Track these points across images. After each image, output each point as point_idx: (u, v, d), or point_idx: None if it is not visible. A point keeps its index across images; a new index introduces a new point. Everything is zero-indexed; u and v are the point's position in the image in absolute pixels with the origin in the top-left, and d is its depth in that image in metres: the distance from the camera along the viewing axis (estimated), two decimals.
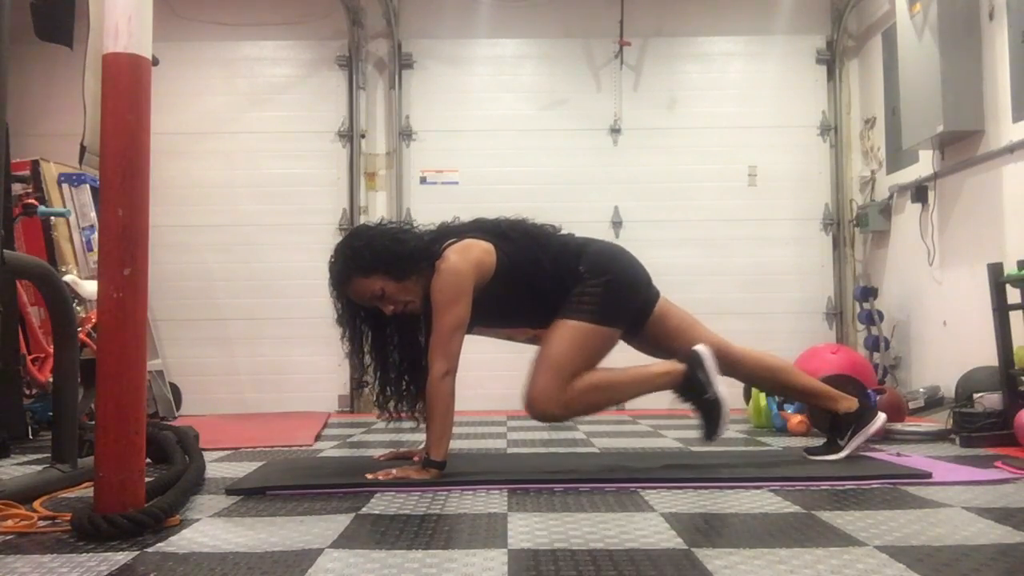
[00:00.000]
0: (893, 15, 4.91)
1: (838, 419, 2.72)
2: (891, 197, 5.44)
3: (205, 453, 2.89)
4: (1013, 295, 3.44)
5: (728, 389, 2.57)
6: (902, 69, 4.75)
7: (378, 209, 5.87)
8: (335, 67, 5.94)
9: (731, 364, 2.70)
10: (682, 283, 5.01)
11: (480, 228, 2.60)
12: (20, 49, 4.79)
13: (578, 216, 5.16)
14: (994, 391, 3.45)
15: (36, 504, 2.07)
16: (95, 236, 4.76)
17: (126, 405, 1.79)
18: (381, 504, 2.08)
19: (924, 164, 4.91)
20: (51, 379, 2.72)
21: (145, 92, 1.86)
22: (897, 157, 5.30)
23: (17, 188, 4.45)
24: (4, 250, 2.18)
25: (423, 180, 5.91)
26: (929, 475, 2.38)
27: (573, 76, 5.96)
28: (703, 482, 2.32)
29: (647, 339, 2.73)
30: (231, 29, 5.93)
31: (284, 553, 1.60)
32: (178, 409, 5.27)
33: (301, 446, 3.53)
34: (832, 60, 5.94)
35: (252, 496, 2.23)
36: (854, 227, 5.83)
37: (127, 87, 1.83)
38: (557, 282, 2.54)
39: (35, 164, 4.88)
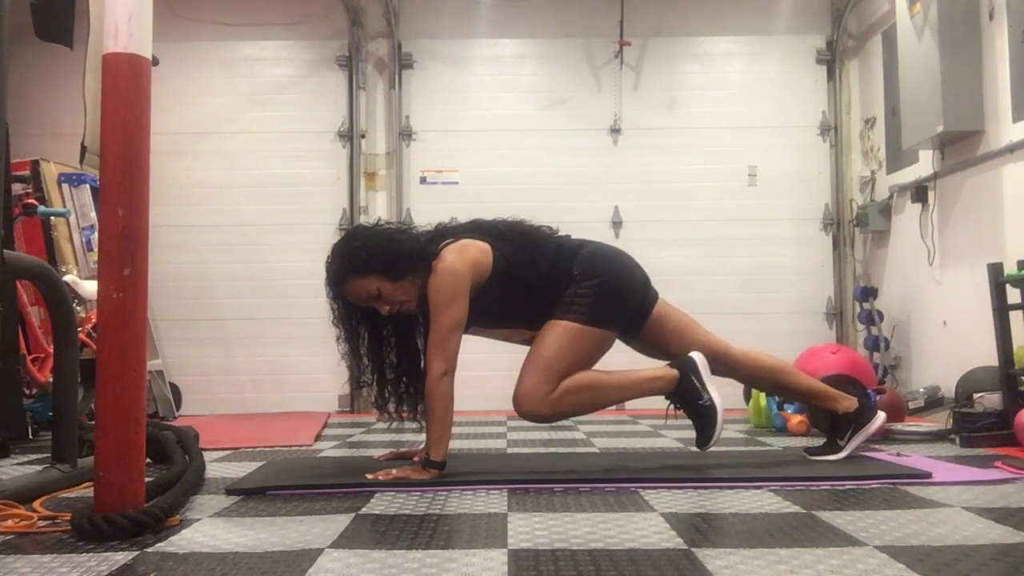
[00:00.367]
0: (893, 15, 4.91)
1: (838, 419, 2.72)
2: (891, 197, 5.44)
3: (205, 453, 2.89)
4: (1013, 295, 3.44)
5: (728, 389, 2.58)
6: (902, 69, 4.75)
7: (378, 209, 5.87)
8: (335, 67, 5.95)
9: (730, 365, 2.71)
10: (682, 283, 5.04)
11: (477, 229, 2.60)
12: (20, 49, 4.80)
13: (578, 216, 5.19)
14: (994, 391, 3.45)
15: (36, 504, 2.07)
16: (95, 236, 4.76)
17: (126, 405, 1.79)
18: (381, 504, 2.08)
19: (924, 164, 4.91)
20: (51, 379, 2.72)
21: (145, 92, 1.86)
22: (897, 157, 5.30)
23: (17, 188, 4.46)
24: (4, 250, 2.18)
25: (423, 180, 5.92)
26: (929, 475, 2.38)
27: (573, 76, 5.96)
28: (703, 482, 2.32)
29: (646, 340, 2.73)
30: (231, 29, 5.93)
31: (284, 553, 1.60)
32: (178, 409, 5.27)
33: (301, 446, 3.53)
34: (832, 60, 5.94)
35: (252, 496, 2.23)
36: (854, 227, 5.83)
37: (127, 87, 1.83)
38: (553, 283, 2.54)
39: (35, 164, 4.88)
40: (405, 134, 5.91)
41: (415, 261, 2.46)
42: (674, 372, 2.55)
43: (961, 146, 4.51)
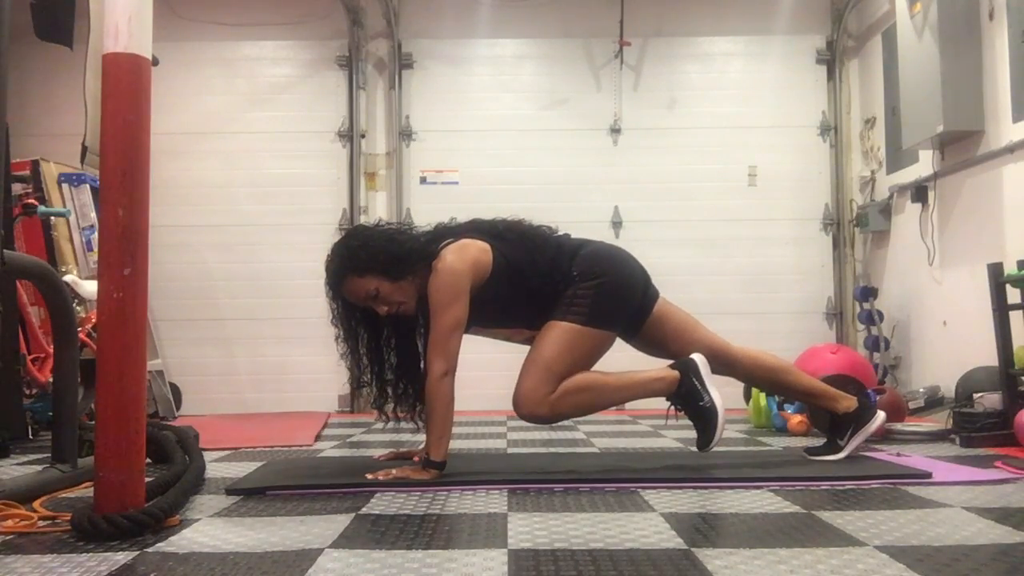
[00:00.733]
0: (893, 15, 4.91)
1: (837, 419, 2.72)
2: (891, 197, 5.44)
3: (205, 453, 2.89)
4: (1013, 295, 3.44)
5: (728, 389, 2.58)
6: (902, 69, 4.75)
7: (378, 209, 5.87)
8: (335, 67, 5.94)
9: (730, 364, 2.71)
10: (682, 283, 5.02)
11: (477, 228, 2.60)
12: (20, 49, 4.80)
13: (578, 216, 5.18)
14: (994, 391, 3.45)
15: (36, 504, 2.07)
16: (95, 236, 4.76)
17: (126, 405, 1.79)
18: (381, 504, 2.08)
19: (924, 164, 4.91)
20: (51, 379, 2.72)
21: (145, 92, 1.86)
22: (897, 157, 5.30)
23: (17, 188, 4.46)
24: (4, 250, 2.18)
25: (423, 180, 5.92)
26: (929, 475, 2.38)
27: (573, 76, 5.96)
28: (703, 482, 2.32)
29: (646, 339, 2.73)
30: (231, 29, 5.93)
31: (284, 553, 1.60)
32: (178, 409, 5.27)
33: (301, 446, 3.53)
34: (832, 60, 5.94)
35: (252, 496, 2.23)
36: (854, 227, 5.83)
37: (127, 87, 1.83)
38: (552, 283, 2.54)
39: (35, 164, 4.88)
40: (405, 134, 5.91)
41: (414, 261, 2.46)
42: (675, 373, 2.55)
43: (961, 146, 4.51)
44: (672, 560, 1.51)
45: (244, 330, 5.79)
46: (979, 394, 3.52)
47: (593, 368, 2.56)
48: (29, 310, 3.99)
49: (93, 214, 4.94)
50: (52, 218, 4.70)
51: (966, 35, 4.33)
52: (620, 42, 5.80)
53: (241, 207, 5.83)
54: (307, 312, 5.34)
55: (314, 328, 5.21)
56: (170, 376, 5.41)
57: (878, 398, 3.52)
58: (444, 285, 2.39)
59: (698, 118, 5.90)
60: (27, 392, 3.78)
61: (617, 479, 2.37)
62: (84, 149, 2.16)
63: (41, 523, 1.88)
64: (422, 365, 2.60)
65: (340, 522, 1.87)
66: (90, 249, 4.88)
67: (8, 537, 1.77)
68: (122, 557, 1.58)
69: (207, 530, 1.82)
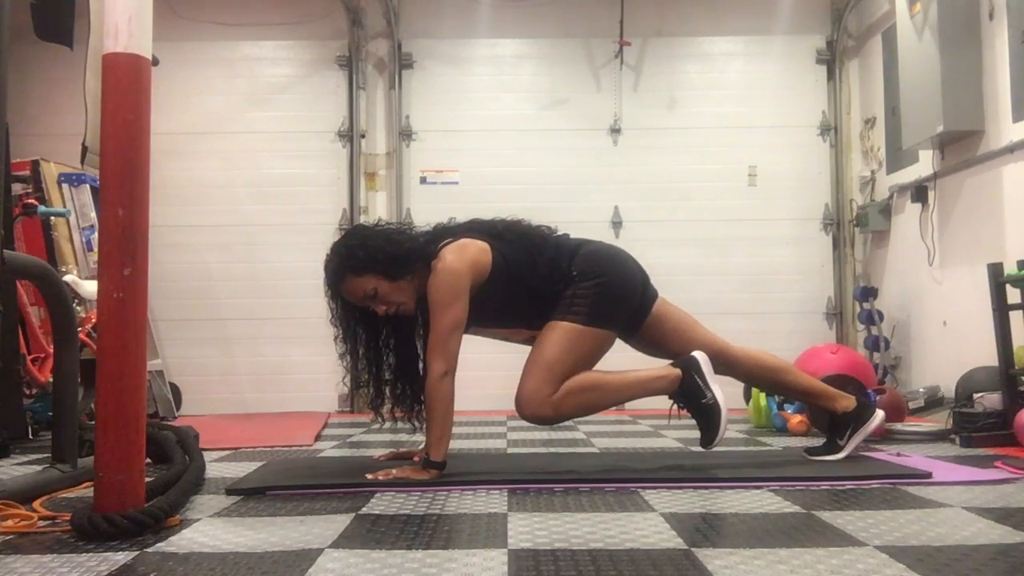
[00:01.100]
0: (893, 15, 4.91)
1: (837, 418, 2.72)
2: (891, 197, 5.44)
3: (205, 453, 2.89)
4: (1013, 295, 3.44)
5: (728, 389, 2.57)
6: (902, 69, 4.75)
7: (378, 209, 5.87)
8: (335, 67, 5.95)
9: (730, 364, 2.71)
10: (682, 283, 5.03)
11: (476, 228, 2.60)
12: (20, 49, 4.81)
13: (578, 216, 5.19)
14: (994, 391, 3.45)
15: (36, 504, 2.07)
16: (95, 236, 4.76)
17: (126, 405, 1.79)
18: (381, 504, 2.08)
19: (924, 164, 4.91)
20: (51, 379, 2.72)
21: (145, 92, 1.86)
22: (897, 157, 5.30)
23: (17, 188, 4.45)
24: (4, 250, 2.18)
25: (423, 180, 5.92)
26: (929, 475, 2.38)
27: (573, 76, 5.96)
28: (703, 482, 2.32)
29: (645, 339, 2.73)
30: (231, 29, 5.93)
31: (284, 553, 1.60)
32: (178, 409, 5.27)
33: (301, 446, 3.53)
34: (832, 60, 5.94)
35: (252, 496, 2.23)
36: (854, 227, 5.83)
37: (127, 87, 1.83)
38: (552, 283, 2.53)
39: (35, 164, 4.88)
40: (405, 134, 5.91)
41: (413, 261, 2.46)
42: (677, 371, 2.55)
43: (961, 146, 4.51)
44: (672, 560, 1.51)
45: (244, 330, 5.79)
46: (979, 394, 3.52)
47: (594, 368, 2.56)
48: (29, 310, 3.99)
49: (93, 214, 4.94)
50: (52, 218, 4.70)
51: (966, 35, 4.33)
52: (620, 42, 5.80)
53: (241, 207, 5.83)
54: (307, 312, 5.33)
55: (314, 328, 5.20)
56: (170, 376, 5.41)
57: (878, 398, 3.52)
58: (444, 285, 2.39)
59: (698, 118, 5.91)
60: (27, 392, 3.79)
61: (617, 479, 2.37)
62: (84, 149, 2.16)
63: (41, 523, 1.88)
64: (421, 366, 2.60)
65: (340, 522, 1.87)
66: (90, 249, 4.88)
67: (8, 537, 1.77)
68: (122, 557, 1.58)
69: (207, 530, 1.82)
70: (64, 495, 2.25)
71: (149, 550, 1.63)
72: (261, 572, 1.47)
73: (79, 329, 2.67)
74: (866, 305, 5.35)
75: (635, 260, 2.70)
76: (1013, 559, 1.52)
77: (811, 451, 2.77)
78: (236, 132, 5.89)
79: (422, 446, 2.55)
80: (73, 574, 1.47)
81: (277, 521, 1.91)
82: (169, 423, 3.87)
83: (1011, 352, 3.37)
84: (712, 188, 5.85)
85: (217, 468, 2.78)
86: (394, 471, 2.37)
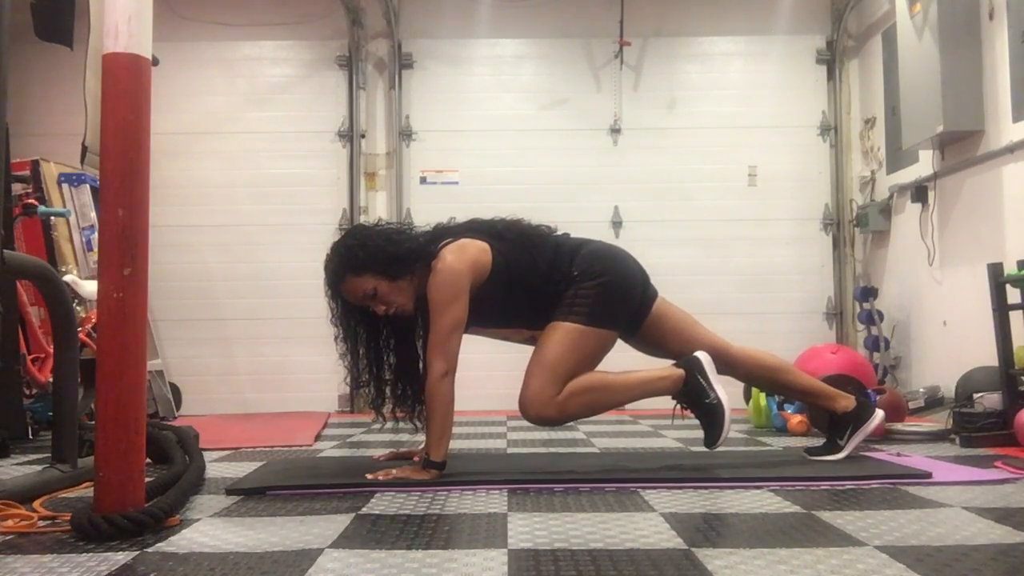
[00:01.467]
0: (893, 15, 4.91)
1: (836, 418, 2.72)
2: (891, 197, 5.44)
3: (205, 453, 2.90)
4: (1013, 295, 3.44)
5: (728, 389, 2.57)
6: (902, 69, 4.75)
7: (378, 209, 5.87)
8: (335, 67, 5.95)
9: (730, 363, 2.70)
10: (682, 283, 5.02)
11: (476, 228, 2.60)
12: (20, 49, 4.80)
13: (578, 216, 5.18)
14: (994, 391, 3.45)
15: (36, 504, 2.07)
16: (95, 236, 4.75)
17: (126, 405, 1.79)
18: (381, 504, 2.08)
19: (924, 164, 4.91)
20: (51, 379, 2.72)
21: (145, 92, 1.86)
22: (897, 157, 5.30)
23: (17, 188, 4.45)
24: (4, 250, 2.18)
25: (423, 180, 5.92)
26: (929, 475, 2.38)
27: (573, 76, 5.96)
28: (703, 482, 2.32)
29: (645, 338, 2.73)
30: (231, 29, 5.93)
31: (284, 553, 1.60)
32: (178, 409, 5.27)
33: (301, 446, 3.53)
34: (832, 60, 5.94)
35: (252, 496, 2.23)
36: (854, 227, 5.83)
37: (127, 87, 1.83)
38: (552, 283, 2.54)
39: (35, 164, 4.88)
40: (405, 134, 5.91)
41: (413, 261, 2.46)
42: (680, 371, 2.55)
43: (961, 146, 4.51)
44: (672, 560, 1.51)
45: (244, 330, 5.79)
46: (979, 394, 3.52)
47: (597, 369, 2.56)
48: (29, 310, 3.99)
49: (93, 214, 4.94)
50: (52, 218, 4.70)
51: (966, 35, 4.33)
52: (620, 42, 5.80)
53: (241, 207, 5.83)
54: (307, 312, 5.33)
55: (314, 328, 5.21)
56: (170, 376, 5.41)
57: (878, 398, 3.52)
58: (444, 285, 2.39)
59: (698, 118, 5.91)
60: (27, 392, 3.78)
61: (617, 479, 2.37)
62: (84, 149, 2.16)
63: (41, 523, 1.88)
64: (421, 366, 2.60)
65: (340, 522, 1.87)
66: (90, 249, 4.88)
67: (8, 537, 1.77)
68: (122, 557, 1.58)
69: (207, 530, 1.82)
70: (64, 495, 2.25)
71: (149, 550, 1.63)
72: (261, 572, 1.47)
73: (79, 329, 2.68)
74: (866, 305, 5.35)
75: (635, 259, 2.70)
76: (1013, 559, 1.52)
77: (811, 451, 2.77)
78: (236, 132, 5.89)
79: (422, 446, 2.55)
80: (73, 574, 1.47)
81: (277, 521, 1.91)
82: (169, 423, 3.87)
83: (1011, 352, 3.37)
84: (712, 188, 5.85)
85: (217, 468, 2.78)
86: (394, 471, 2.37)
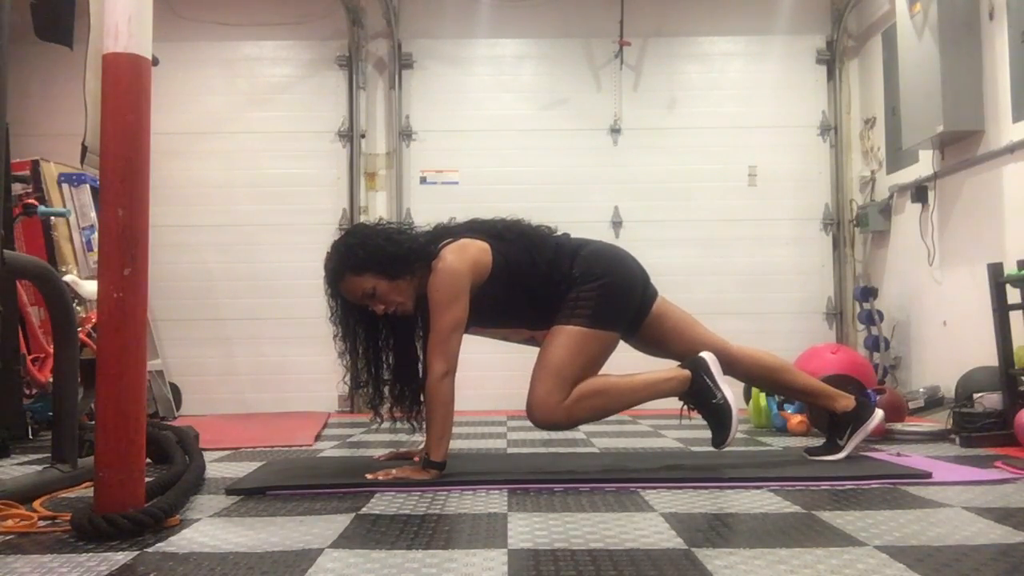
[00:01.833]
0: (893, 15, 4.91)
1: (836, 418, 2.72)
2: (891, 197, 5.44)
3: (205, 453, 2.90)
4: (1013, 295, 3.44)
5: (731, 389, 2.57)
6: (902, 69, 4.75)
7: (378, 209, 5.87)
8: (335, 67, 5.95)
9: (729, 363, 2.70)
10: (682, 283, 5.03)
11: (476, 228, 2.60)
12: (20, 49, 4.81)
13: (578, 216, 5.18)
14: (994, 391, 3.45)
15: (36, 504, 2.07)
16: (95, 236, 4.75)
17: (126, 405, 1.79)
18: (381, 504, 2.08)
19: (924, 164, 4.91)
20: (51, 379, 2.72)
21: (145, 92, 1.86)
22: (897, 157, 5.30)
23: (17, 188, 4.44)
24: (4, 250, 2.18)
25: (423, 180, 5.92)
26: (929, 475, 2.38)
27: (573, 76, 5.96)
28: (703, 482, 2.32)
29: (645, 339, 2.72)
30: (231, 29, 5.93)
31: (284, 553, 1.60)
32: (178, 409, 5.27)
33: (301, 446, 3.53)
34: (832, 60, 5.94)
35: (252, 496, 2.23)
36: (854, 227, 5.83)
37: (127, 87, 1.83)
38: (552, 284, 2.53)
39: (35, 164, 4.88)
40: (405, 134, 5.91)
41: (413, 261, 2.46)
42: (686, 372, 2.54)
43: (961, 146, 4.51)
44: (672, 560, 1.51)
45: (244, 330, 5.79)
46: (979, 394, 3.52)
47: (602, 371, 2.55)
48: (29, 310, 3.99)
49: (93, 214, 4.93)
50: (52, 218, 4.70)
51: (966, 35, 4.33)
52: (620, 42, 5.80)
53: (241, 207, 5.83)
54: (307, 312, 5.33)
55: (314, 328, 5.20)
56: (170, 376, 5.41)
57: (878, 398, 3.52)
58: (444, 285, 2.39)
59: (698, 118, 5.91)
60: (27, 392, 3.78)
61: (617, 479, 2.37)
62: (84, 149, 2.16)
63: (41, 523, 1.88)
64: (420, 366, 2.60)
65: (340, 522, 1.87)
66: (90, 249, 4.88)
67: (8, 537, 1.77)
68: (122, 557, 1.58)
69: (207, 530, 1.82)
70: (64, 495, 2.25)
71: (149, 550, 1.64)
72: (261, 572, 1.47)
73: (79, 329, 2.67)
74: (866, 305, 5.35)
75: (635, 259, 2.70)
76: (1013, 559, 1.52)
77: (811, 451, 2.77)
78: (236, 132, 5.89)
79: (422, 446, 2.55)
80: (73, 574, 1.47)
81: (277, 521, 1.91)
82: (169, 423, 3.87)
83: (1011, 352, 3.37)
84: (712, 188, 5.85)
85: (217, 468, 2.78)
86: (394, 471, 2.37)
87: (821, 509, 1.96)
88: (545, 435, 3.72)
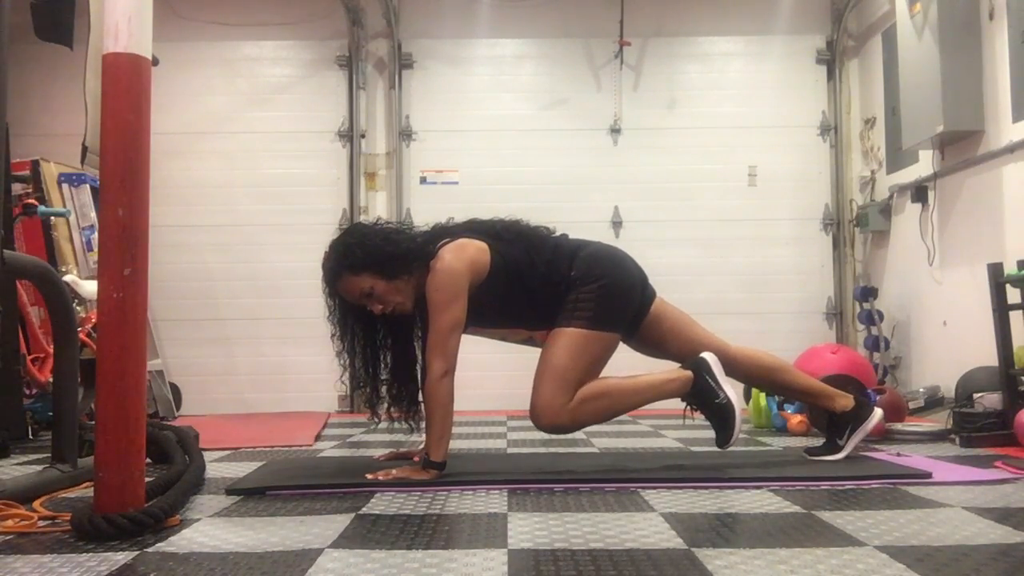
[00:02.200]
0: (893, 15, 4.91)
1: (836, 418, 2.72)
2: (891, 197, 5.44)
3: (205, 453, 2.89)
4: (1013, 295, 3.44)
5: (731, 389, 2.57)
6: (902, 69, 4.75)
7: (378, 209, 5.87)
8: (335, 67, 5.95)
9: (728, 364, 2.70)
10: (682, 283, 5.03)
11: (474, 228, 2.59)
12: (20, 49, 4.80)
13: (578, 216, 5.20)
14: (994, 391, 3.45)
15: (36, 504, 2.07)
16: (95, 236, 4.75)
17: (126, 405, 1.79)
18: (381, 504, 2.08)
19: (924, 164, 4.91)
20: (51, 379, 2.72)
21: (145, 92, 1.86)
22: (897, 157, 5.30)
23: (17, 188, 4.45)
24: (4, 250, 2.18)
25: (423, 180, 5.92)
26: (929, 475, 2.38)
27: (573, 76, 5.96)
28: (703, 482, 2.32)
29: (644, 339, 2.72)
30: (231, 29, 5.93)
31: (284, 553, 1.60)
32: (178, 409, 5.27)
33: (301, 446, 3.53)
34: (832, 60, 5.94)
35: (252, 496, 2.23)
36: (854, 227, 5.83)
37: (127, 87, 1.83)
38: (551, 284, 2.53)
39: (35, 164, 4.88)
40: (405, 134, 5.91)
41: (411, 261, 2.46)
42: (688, 373, 2.54)
43: (961, 146, 4.51)
44: (672, 560, 1.51)
45: (244, 330, 5.79)
46: (979, 394, 3.52)
47: (603, 374, 2.55)
48: (29, 310, 3.99)
49: (93, 214, 4.94)
50: (52, 218, 4.70)
51: (966, 35, 4.33)
52: (620, 42, 5.80)
53: (241, 207, 5.83)
54: (307, 312, 5.31)
55: (314, 328, 5.19)
56: (170, 376, 5.41)
57: (878, 398, 3.52)
58: (443, 285, 2.39)
59: (698, 118, 5.91)
60: (27, 392, 3.78)
61: (617, 479, 2.37)
62: (84, 149, 2.16)
63: (41, 523, 1.88)
64: (418, 366, 2.60)
65: (340, 522, 1.87)
66: (90, 249, 4.88)
67: (8, 537, 1.77)
68: (122, 557, 1.58)
69: (207, 530, 1.82)
70: (64, 495, 2.25)
71: (149, 550, 1.64)
72: (261, 572, 1.47)
73: (79, 329, 2.67)
74: (866, 305, 5.35)
75: (633, 260, 2.69)
76: (1013, 559, 1.52)
77: (811, 451, 2.78)
78: (236, 132, 5.89)
79: (422, 446, 2.55)
80: (73, 574, 1.47)
81: (277, 521, 1.91)
82: (169, 423, 3.87)
83: (1011, 352, 3.37)
84: (712, 188, 5.85)
85: (217, 468, 2.78)
86: (394, 471, 2.37)
87: (821, 509, 1.96)
88: (545, 435, 3.71)
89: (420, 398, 2.60)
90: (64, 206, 4.90)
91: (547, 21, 5.97)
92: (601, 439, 3.56)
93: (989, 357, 3.56)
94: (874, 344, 5.29)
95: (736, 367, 2.74)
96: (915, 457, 2.83)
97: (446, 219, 2.68)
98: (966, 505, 1.99)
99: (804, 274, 5.88)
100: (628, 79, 5.94)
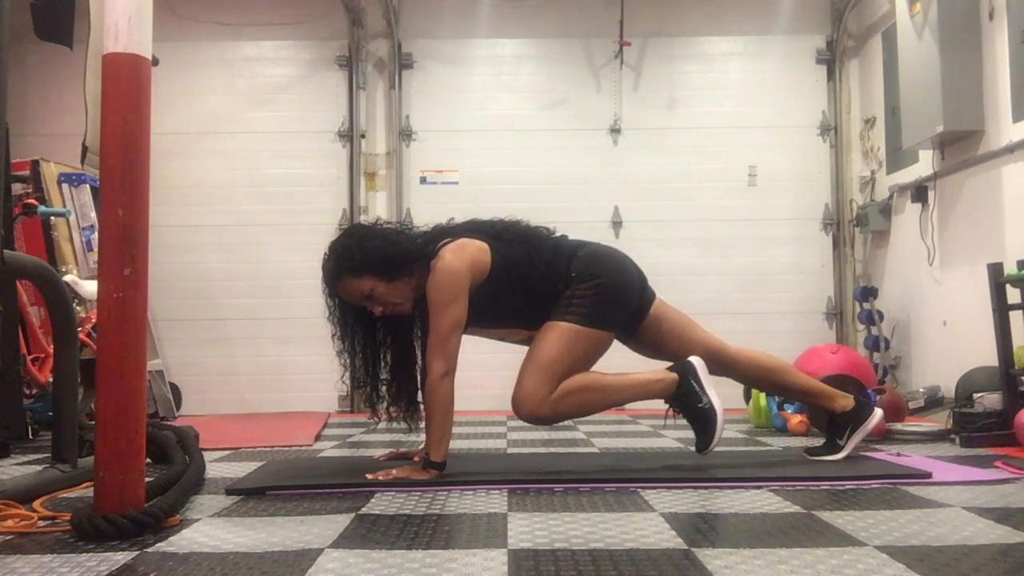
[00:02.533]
0: (893, 15, 4.91)
1: (835, 418, 2.72)
2: (891, 197, 5.44)
3: (205, 453, 2.89)
4: (1013, 295, 3.44)
5: (728, 390, 2.57)
6: (902, 69, 4.75)
7: (378, 209, 5.87)
8: (335, 67, 5.95)
9: (728, 364, 2.71)
10: (682, 283, 5.04)
11: (474, 229, 2.60)
12: (20, 49, 4.81)
13: (578, 216, 5.20)
14: (994, 391, 3.45)
15: (36, 504, 2.07)
16: (95, 236, 4.76)
17: (126, 405, 1.79)
18: (381, 504, 2.08)
19: (924, 164, 4.91)
20: (51, 379, 2.72)
21: (145, 92, 1.86)
22: (897, 157, 5.30)
23: (17, 188, 4.44)
24: (4, 250, 2.18)
25: (423, 180, 5.92)
26: (929, 475, 2.38)
27: (573, 76, 5.96)
28: (703, 482, 2.32)
29: (643, 340, 2.73)
30: (231, 29, 5.93)
31: (284, 553, 1.60)
32: (178, 409, 5.27)
33: (301, 446, 3.53)
34: (832, 60, 5.94)
35: (252, 496, 2.23)
36: (854, 227, 5.83)
37: (127, 87, 1.83)
38: (551, 284, 2.53)
39: (35, 164, 4.88)
40: (405, 134, 5.91)
41: (411, 262, 2.46)
42: (673, 375, 2.55)
43: (961, 146, 4.51)
44: (672, 560, 1.51)
45: (244, 330, 5.79)
46: (979, 394, 3.52)
47: (592, 369, 2.56)
48: (29, 310, 3.99)
49: (93, 214, 4.94)
50: (52, 218, 4.70)
51: (966, 35, 4.33)
52: (620, 42, 5.80)
53: (241, 207, 5.83)
54: (307, 312, 5.32)
55: (314, 328, 5.19)
56: (170, 376, 5.41)
57: (878, 398, 3.52)
58: (443, 285, 2.39)
59: (698, 118, 5.91)
60: (27, 392, 3.78)
61: (617, 479, 2.37)
62: (84, 149, 2.16)
63: (41, 523, 1.88)
64: (418, 367, 2.60)
65: (340, 522, 1.87)
66: (90, 249, 4.88)
67: (8, 537, 1.77)
68: (122, 557, 1.58)
69: (207, 530, 1.82)
70: (64, 495, 2.25)
71: (149, 550, 1.63)
72: (261, 572, 1.47)
73: (79, 329, 2.67)
74: (866, 305, 5.35)
75: (633, 261, 2.70)
76: (1013, 559, 1.52)
77: (811, 451, 2.77)
78: (236, 132, 5.89)
79: (422, 446, 2.55)
80: (73, 574, 1.47)
81: (277, 521, 1.91)
82: (169, 423, 3.88)
83: (1011, 352, 3.37)
84: (712, 188, 5.85)
85: (217, 468, 2.78)
86: (394, 471, 2.37)
87: (821, 509, 1.96)
88: (545, 435, 3.72)
89: (419, 398, 2.61)
90: (64, 206, 4.90)
91: (547, 21, 5.97)
92: (601, 439, 3.56)
93: (989, 357, 3.56)
94: (874, 344, 5.29)
95: (735, 368, 2.74)
96: (915, 457, 2.83)
97: (446, 219, 2.68)
98: (966, 505, 1.99)
99: (804, 274, 5.88)
100: (628, 79, 5.94)
